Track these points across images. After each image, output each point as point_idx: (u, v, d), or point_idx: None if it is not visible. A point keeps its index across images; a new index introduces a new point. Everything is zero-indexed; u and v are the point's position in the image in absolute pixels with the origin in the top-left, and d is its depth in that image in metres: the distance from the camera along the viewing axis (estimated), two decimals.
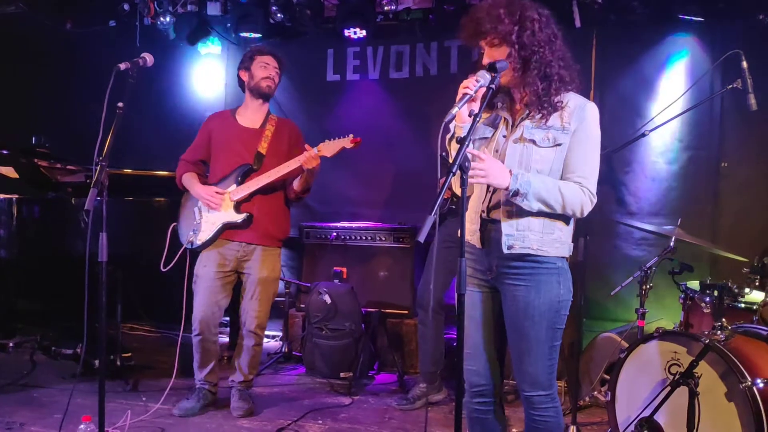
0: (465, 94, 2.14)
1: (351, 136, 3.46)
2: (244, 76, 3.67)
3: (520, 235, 2.26)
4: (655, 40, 4.49)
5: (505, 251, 2.26)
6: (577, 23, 4.36)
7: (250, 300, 3.63)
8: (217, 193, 3.52)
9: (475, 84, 2.15)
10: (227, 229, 3.54)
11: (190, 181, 3.63)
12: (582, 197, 2.24)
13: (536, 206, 2.21)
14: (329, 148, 3.46)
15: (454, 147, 2.25)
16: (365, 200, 5.34)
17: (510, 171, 2.19)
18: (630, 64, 4.54)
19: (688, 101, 3.88)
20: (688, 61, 4.45)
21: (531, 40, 2.21)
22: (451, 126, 2.26)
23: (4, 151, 4.29)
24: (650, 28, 4.47)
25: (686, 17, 4.30)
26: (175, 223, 3.66)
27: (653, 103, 4.45)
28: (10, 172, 4.31)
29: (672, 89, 4.40)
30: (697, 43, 4.42)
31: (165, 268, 3.55)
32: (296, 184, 3.60)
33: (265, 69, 3.64)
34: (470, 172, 2.11)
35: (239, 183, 3.54)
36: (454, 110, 2.11)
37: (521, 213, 2.25)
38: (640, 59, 4.53)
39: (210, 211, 3.56)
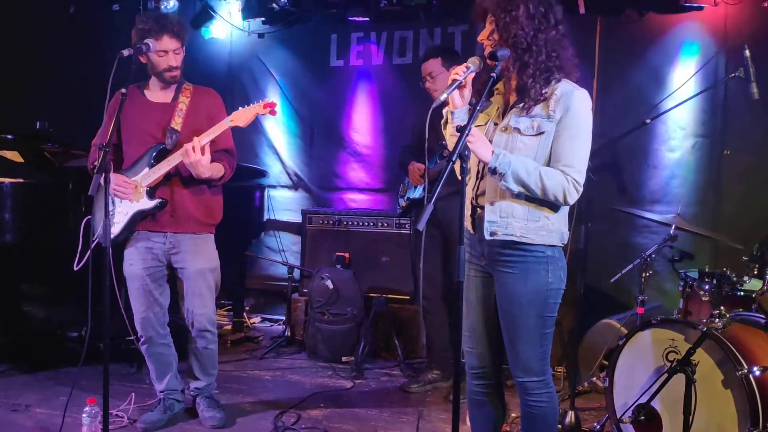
0: (454, 81, 2.19)
1: (265, 100, 3.14)
2: (142, 58, 3.11)
3: (503, 222, 2.28)
4: (661, 26, 4.45)
5: (488, 237, 2.29)
6: (581, 10, 4.33)
7: (192, 297, 3.24)
8: (125, 181, 3.10)
9: (465, 71, 2.20)
10: (142, 218, 3.15)
11: None
12: (564, 184, 2.21)
13: (515, 188, 2.21)
14: (241, 117, 3.09)
15: (448, 132, 2.32)
16: (368, 186, 5.35)
17: (493, 150, 2.21)
18: (634, 51, 4.49)
19: (693, 89, 3.86)
20: (693, 48, 4.40)
21: (528, 36, 2.22)
22: (444, 111, 2.32)
23: (9, 136, 4.31)
24: (655, 15, 4.44)
25: (692, 4, 4.27)
26: (89, 217, 3.17)
27: (657, 90, 4.42)
28: (14, 156, 4.33)
29: (677, 76, 4.37)
30: (703, 30, 4.37)
31: (77, 266, 2.99)
32: None
33: (164, 58, 3.12)
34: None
35: (151, 166, 3.12)
36: (443, 96, 2.17)
37: (505, 199, 2.27)
38: (644, 46, 4.49)
39: (122, 202, 3.14)
